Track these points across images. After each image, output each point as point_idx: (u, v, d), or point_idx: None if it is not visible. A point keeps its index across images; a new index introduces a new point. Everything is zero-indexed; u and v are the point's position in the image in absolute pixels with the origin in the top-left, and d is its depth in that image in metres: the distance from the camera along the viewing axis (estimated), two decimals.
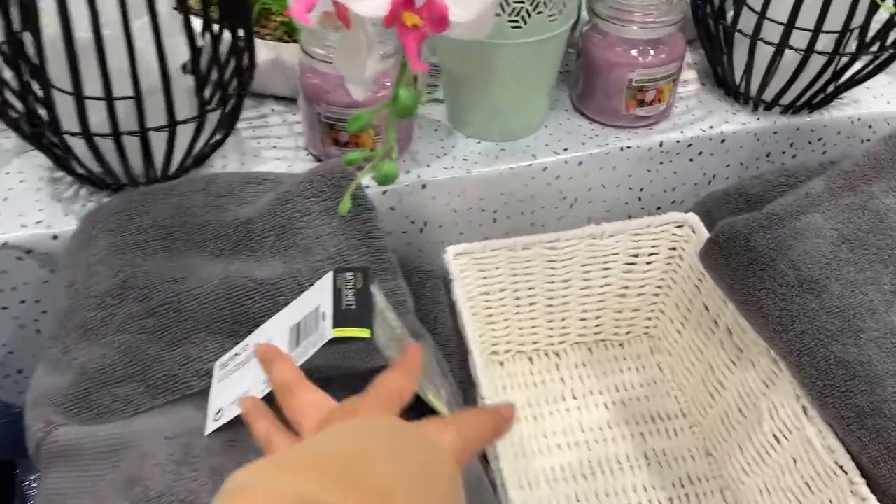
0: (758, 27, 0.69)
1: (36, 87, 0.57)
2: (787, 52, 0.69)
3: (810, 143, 0.78)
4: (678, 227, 0.71)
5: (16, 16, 0.53)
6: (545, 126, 0.74)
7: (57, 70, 0.55)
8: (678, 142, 0.73)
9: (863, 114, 0.77)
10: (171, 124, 0.59)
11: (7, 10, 0.52)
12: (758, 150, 0.77)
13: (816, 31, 0.66)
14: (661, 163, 0.74)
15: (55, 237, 0.62)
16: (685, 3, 0.70)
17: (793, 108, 0.75)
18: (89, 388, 0.50)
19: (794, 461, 0.57)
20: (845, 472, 0.52)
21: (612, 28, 0.69)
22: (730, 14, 0.73)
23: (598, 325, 0.75)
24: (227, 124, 0.65)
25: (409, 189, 0.68)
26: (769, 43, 0.70)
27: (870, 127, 0.78)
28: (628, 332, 0.76)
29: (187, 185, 0.59)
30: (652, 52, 0.69)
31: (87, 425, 0.49)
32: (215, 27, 0.58)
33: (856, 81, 0.72)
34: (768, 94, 0.74)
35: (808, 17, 0.66)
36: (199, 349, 0.52)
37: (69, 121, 0.57)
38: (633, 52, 0.70)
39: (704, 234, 0.67)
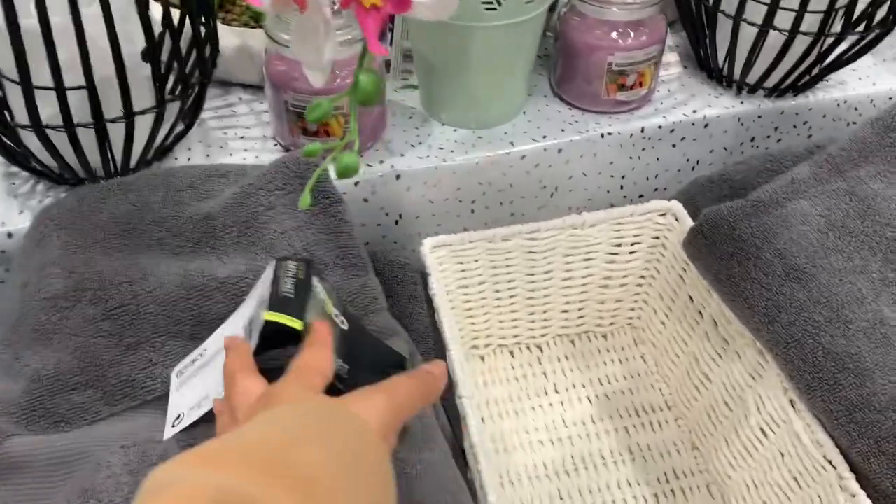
0: (741, 7, 0.67)
1: None
2: (772, 32, 0.67)
3: (795, 126, 0.76)
4: (661, 215, 0.69)
5: None
6: (523, 112, 0.71)
7: (5, 59, 0.52)
8: (660, 127, 0.71)
9: (849, 96, 0.75)
10: (129, 115, 0.56)
11: None
12: (742, 135, 0.74)
13: (801, 10, 0.64)
14: (644, 149, 0.72)
15: (10, 235, 0.59)
16: None
17: (777, 91, 0.73)
18: (43, 396, 0.47)
19: (782, 455, 0.55)
20: (834, 467, 0.50)
21: (591, 10, 0.67)
22: None
23: (580, 317, 0.73)
24: (190, 115, 0.62)
25: (383, 179, 0.65)
26: (752, 24, 0.67)
27: (856, 109, 0.76)
28: (611, 324, 0.74)
29: (146, 179, 0.56)
30: (632, 34, 0.67)
31: (40, 435, 0.47)
32: (175, 12, 0.55)
33: (842, 63, 0.70)
34: (752, 77, 0.72)
35: None
36: (159, 353, 0.49)
37: (21, 113, 0.54)
38: (613, 35, 0.67)
39: (688, 223, 0.65)
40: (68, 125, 0.54)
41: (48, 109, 0.54)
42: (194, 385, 0.46)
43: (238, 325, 0.47)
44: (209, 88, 0.63)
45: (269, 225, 0.53)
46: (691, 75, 0.77)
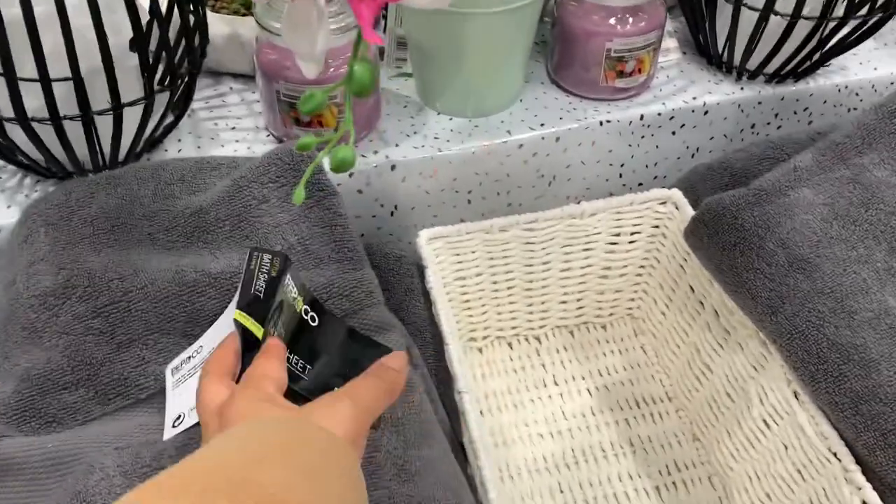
0: None
1: None
2: (773, 17, 0.66)
3: (796, 113, 0.75)
4: (661, 203, 0.68)
5: None
6: (520, 100, 0.70)
7: None
8: (660, 114, 0.70)
9: (850, 81, 0.74)
10: (117, 107, 0.54)
11: None
12: (742, 122, 0.73)
13: None
14: (643, 137, 0.71)
15: None
16: None
17: (778, 77, 0.72)
18: (33, 396, 0.46)
19: (786, 447, 0.55)
20: (839, 459, 0.50)
21: None
22: None
23: (579, 308, 0.73)
24: (180, 106, 0.61)
25: (378, 170, 0.64)
26: (753, 8, 0.66)
27: (857, 95, 0.75)
28: (611, 315, 0.73)
29: (135, 172, 0.55)
30: (631, 19, 0.66)
31: (32, 436, 0.46)
32: (163, 1, 0.54)
33: (843, 47, 0.69)
34: (752, 63, 0.71)
35: None
36: (152, 350, 0.48)
37: (5, 106, 0.53)
38: (611, 21, 0.66)
39: (688, 211, 0.64)
40: (54, 118, 0.53)
41: (33, 102, 0.52)
42: (191, 385, 0.45)
43: (230, 320, 0.46)
44: (199, 78, 0.61)
45: (263, 219, 0.52)
46: (690, 61, 0.76)
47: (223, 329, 0.47)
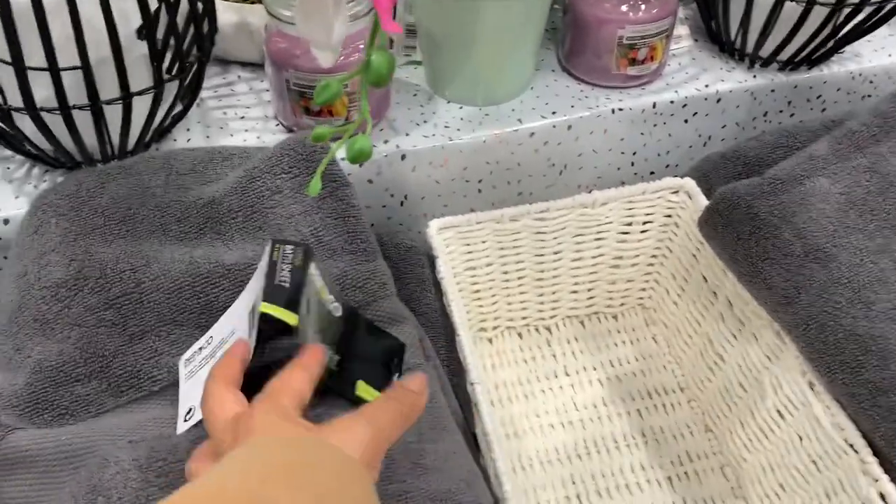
0: None
1: None
2: (787, 3, 0.65)
3: (809, 100, 0.74)
4: (673, 193, 0.67)
5: None
6: (531, 88, 0.70)
7: None
8: (672, 102, 0.69)
9: (864, 68, 0.73)
10: (126, 96, 0.54)
11: None
12: (755, 110, 0.73)
13: None
14: (655, 125, 0.70)
15: (6, 221, 0.57)
16: None
17: (791, 65, 0.71)
18: (46, 388, 0.46)
19: (800, 439, 0.54)
20: (856, 451, 0.49)
21: None
22: None
23: (590, 298, 0.72)
24: (189, 94, 0.60)
25: (388, 160, 0.63)
26: None
27: (871, 82, 0.74)
28: (622, 304, 0.73)
29: (146, 162, 0.54)
30: (643, 6, 0.65)
31: (44, 428, 0.45)
32: None
33: (858, 34, 0.68)
34: (766, 50, 0.70)
35: None
36: (165, 342, 0.48)
37: (14, 95, 0.52)
38: (624, 8, 0.65)
39: (701, 200, 0.64)
40: (63, 107, 0.52)
41: (42, 91, 0.52)
42: (202, 377, 0.45)
43: (243, 312, 0.45)
44: (207, 67, 0.60)
45: (276, 209, 0.51)
46: (702, 49, 0.75)
47: (234, 319, 0.47)
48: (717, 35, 0.73)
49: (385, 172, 0.64)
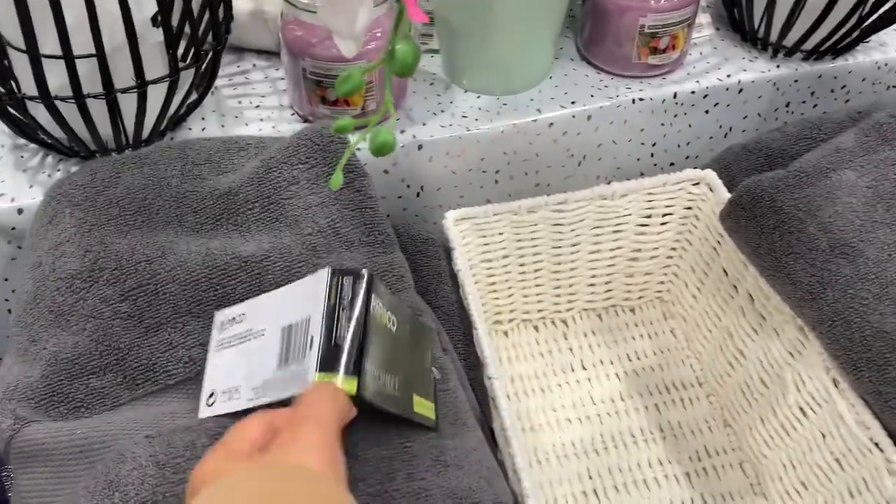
0: None
1: None
2: None
3: (832, 91, 0.72)
4: (694, 184, 0.66)
5: None
6: (550, 77, 0.68)
7: (10, 27, 0.49)
8: (693, 92, 0.68)
9: (890, 58, 0.72)
10: (141, 84, 0.53)
11: None
12: (777, 101, 0.71)
13: None
14: (675, 115, 0.69)
15: (20, 211, 0.57)
16: None
17: (816, 54, 0.70)
18: (61, 381, 0.46)
19: (823, 436, 0.53)
20: (881, 450, 0.49)
21: None
22: None
23: (607, 291, 0.71)
24: (204, 83, 0.60)
25: (404, 150, 0.63)
26: None
27: None
28: (640, 298, 0.72)
29: (161, 152, 0.53)
30: None
31: (60, 421, 0.45)
32: None
33: (885, 22, 0.67)
34: (790, 39, 0.69)
35: None
36: (181, 334, 0.47)
37: (28, 84, 0.52)
38: None
39: (723, 193, 0.63)
40: (78, 96, 0.51)
41: (56, 79, 0.51)
42: (230, 361, 0.44)
43: (277, 322, 0.43)
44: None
45: (293, 200, 0.50)
46: (724, 38, 0.73)
47: (270, 317, 0.44)
48: (739, 24, 0.72)
49: (401, 163, 0.63)
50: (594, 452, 0.63)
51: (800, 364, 0.56)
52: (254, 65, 0.69)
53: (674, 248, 0.69)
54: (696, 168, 0.66)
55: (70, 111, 0.53)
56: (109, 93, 0.52)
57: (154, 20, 0.54)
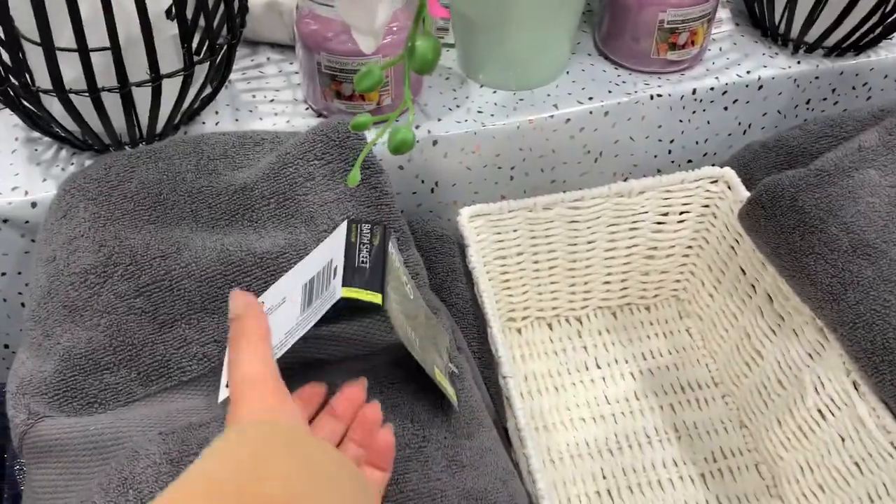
0: None
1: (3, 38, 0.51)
2: None
3: (854, 88, 0.71)
4: (712, 182, 0.65)
5: None
6: (567, 72, 0.68)
7: (25, 19, 0.49)
8: (712, 89, 0.67)
9: None
10: (156, 78, 0.52)
11: None
12: (797, 98, 0.70)
13: None
14: (694, 112, 0.68)
15: (34, 204, 0.56)
16: None
17: (837, 51, 0.69)
18: (75, 376, 0.45)
19: (842, 439, 0.53)
20: None
21: None
22: None
23: (623, 289, 0.71)
24: (219, 76, 0.59)
25: (419, 145, 0.62)
26: None
27: None
28: (655, 296, 0.71)
29: (176, 146, 0.53)
30: None
31: (73, 417, 0.45)
32: None
33: None
34: (811, 36, 0.68)
35: None
36: (195, 331, 0.47)
37: (42, 77, 0.51)
38: None
39: (742, 191, 0.62)
40: (92, 89, 0.51)
41: (71, 73, 0.51)
42: None
43: (297, 283, 0.44)
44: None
45: (309, 196, 0.50)
46: (744, 33, 0.72)
47: (287, 288, 0.45)
48: (759, 19, 0.71)
49: (416, 158, 0.63)
50: (608, 452, 0.62)
51: (819, 366, 0.55)
52: (268, 58, 0.69)
53: (690, 247, 0.68)
54: (714, 165, 0.65)
55: (84, 104, 0.52)
56: (124, 86, 0.52)
57: (169, 13, 0.54)
